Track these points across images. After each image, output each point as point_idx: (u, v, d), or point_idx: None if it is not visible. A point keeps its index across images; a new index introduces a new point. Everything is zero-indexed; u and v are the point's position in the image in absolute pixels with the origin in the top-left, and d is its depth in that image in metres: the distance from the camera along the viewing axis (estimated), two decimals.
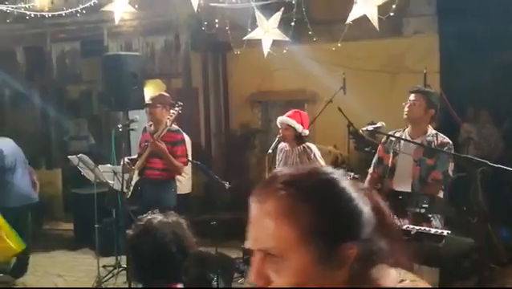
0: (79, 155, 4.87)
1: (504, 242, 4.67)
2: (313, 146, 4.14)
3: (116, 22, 5.89)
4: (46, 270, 5.52)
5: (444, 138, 3.35)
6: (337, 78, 6.22)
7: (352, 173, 5.33)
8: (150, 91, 7.88)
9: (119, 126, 4.35)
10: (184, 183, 4.94)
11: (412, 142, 3.30)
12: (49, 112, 8.08)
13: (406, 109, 3.35)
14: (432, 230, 2.82)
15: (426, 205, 2.51)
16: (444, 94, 6.02)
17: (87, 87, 8.57)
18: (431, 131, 3.39)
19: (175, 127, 4.33)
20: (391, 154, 3.47)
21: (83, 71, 8.25)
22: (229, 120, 7.93)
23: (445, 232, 2.78)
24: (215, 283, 3.97)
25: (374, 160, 3.64)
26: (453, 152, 3.29)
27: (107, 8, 5.81)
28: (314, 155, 4.07)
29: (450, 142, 3.34)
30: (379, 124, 3.35)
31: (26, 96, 8.29)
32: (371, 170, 3.66)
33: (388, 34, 7.28)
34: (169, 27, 7.31)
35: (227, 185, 4.05)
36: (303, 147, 4.07)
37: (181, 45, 7.30)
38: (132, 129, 4.38)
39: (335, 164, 5.86)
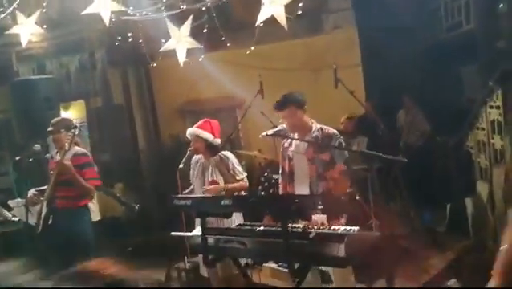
0: None
1: (427, 226, 4.76)
2: (229, 154, 4.02)
3: (24, 44, 5.53)
4: None
5: (329, 129, 3.35)
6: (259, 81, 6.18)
7: (277, 176, 5.28)
8: (72, 113, 7.56)
9: (17, 158, 4.05)
10: (94, 210, 4.68)
11: (298, 140, 3.27)
12: None
13: (286, 125, 3.33)
14: (340, 230, 2.76)
15: (321, 206, 2.44)
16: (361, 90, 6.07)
17: (4, 116, 8.08)
18: (315, 126, 3.38)
19: (81, 150, 4.10)
20: (287, 160, 3.43)
21: (1, 99, 7.76)
22: (159, 134, 7.72)
23: (353, 229, 2.73)
24: None
25: (280, 170, 3.61)
26: (341, 141, 3.28)
27: (12, 31, 5.46)
28: (232, 163, 3.95)
29: (336, 132, 3.34)
30: (279, 128, 3.28)
31: None
32: (280, 179, 3.63)
33: (308, 32, 7.34)
34: (83, 45, 7.02)
35: (136, 207, 3.86)
36: (220, 156, 3.94)
37: (97, 62, 7.03)
38: (33, 159, 4.09)
39: (260, 169, 5.79)
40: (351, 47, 7.09)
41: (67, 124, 4.05)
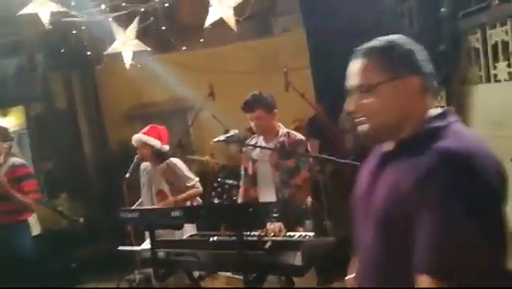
0: None
1: None
2: (177, 160, 3.88)
3: None
4: None
5: (296, 136, 3.26)
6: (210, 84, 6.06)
7: (231, 181, 5.19)
8: (11, 120, 7.12)
9: None
10: (33, 224, 4.41)
11: (254, 146, 3.18)
12: None
13: (254, 127, 3.21)
14: (296, 236, 2.71)
15: (276, 214, 2.37)
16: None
17: None
18: (282, 131, 3.28)
19: (19, 160, 3.83)
20: (250, 162, 3.34)
21: None
22: (106, 140, 7.40)
23: (308, 235, 2.69)
24: None
25: (242, 172, 3.49)
26: (308, 148, 3.22)
27: None
28: (181, 170, 3.81)
29: (303, 138, 3.26)
30: (231, 133, 3.18)
31: None
32: (241, 183, 3.50)
33: (257, 35, 7.31)
34: (22, 48, 6.61)
35: (80, 220, 3.64)
36: (167, 164, 3.79)
37: (38, 66, 6.65)
38: None
39: (212, 174, 5.68)
40: (300, 50, 7.11)
41: (3, 134, 3.77)
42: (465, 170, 1.06)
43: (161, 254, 2.65)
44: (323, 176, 3.10)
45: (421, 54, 1.25)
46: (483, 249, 1.04)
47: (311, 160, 3.24)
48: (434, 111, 1.24)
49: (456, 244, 1.04)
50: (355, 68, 1.28)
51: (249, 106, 3.18)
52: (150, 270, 3.75)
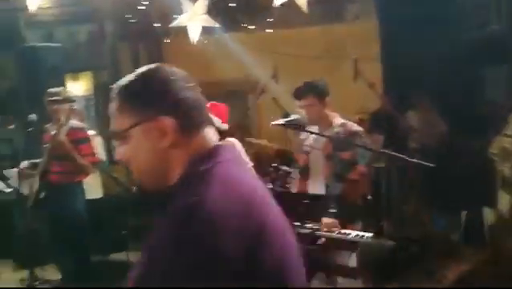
0: None
1: (441, 232, 4.51)
2: (235, 141, 3.76)
3: (32, 10, 5.29)
4: None
5: (352, 126, 3.05)
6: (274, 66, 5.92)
7: (286, 168, 5.03)
8: (79, 85, 7.36)
9: (11, 126, 3.85)
10: (93, 186, 4.48)
11: (315, 133, 2.98)
12: None
13: (305, 115, 3.03)
14: (352, 235, 2.52)
15: (334, 210, 2.20)
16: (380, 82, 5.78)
17: (11, 83, 7.89)
18: (337, 121, 3.08)
19: (79, 124, 3.88)
20: (303, 153, 3.18)
21: (7, 65, 7.57)
22: None
23: (366, 235, 2.49)
24: None
25: (296, 164, 3.34)
26: (364, 140, 3.00)
27: None
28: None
29: (360, 129, 3.05)
30: (292, 117, 3.00)
31: None
32: (295, 173, 3.34)
33: (328, 20, 7.05)
34: (94, 16, 6.77)
35: (133, 189, 3.64)
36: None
37: (108, 34, 6.78)
38: (31, 129, 3.88)
39: (268, 158, 5.54)
40: (371, 39, 6.78)
41: (66, 96, 3.83)
42: (198, 229, 0.91)
43: None
44: (385, 173, 2.86)
45: (179, 87, 1.06)
46: None
47: (371, 154, 3.02)
48: (205, 150, 1.05)
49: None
50: (110, 111, 1.10)
51: (300, 92, 3.05)
52: None
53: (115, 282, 3.82)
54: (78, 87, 7.22)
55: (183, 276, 0.92)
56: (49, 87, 4.09)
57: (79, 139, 3.75)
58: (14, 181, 4.41)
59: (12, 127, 3.83)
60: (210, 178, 1.00)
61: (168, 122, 1.04)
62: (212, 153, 1.05)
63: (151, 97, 1.06)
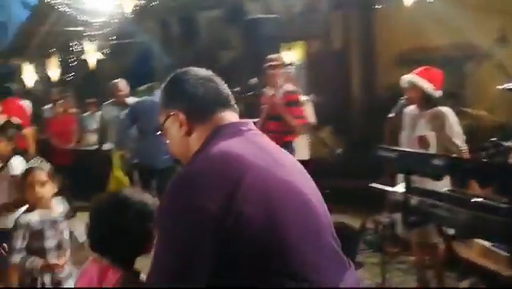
0: None
1: None
2: (448, 110, 3.50)
3: None
4: None
5: None
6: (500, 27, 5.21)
7: (508, 143, 4.48)
8: (292, 54, 7.78)
9: (236, 89, 4.33)
10: (302, 148, 4.73)
11: None
12: None
13: None
14: None
15: None
16: None
17: (235, 53, 8.83)
18: None
19: (291, 88, 4.15)
20: None
21: (229, 37, 8.51)
22: (375, 81, 7.37)
23: None
24: None
25: None
26: None
27: None
28: (450, 122, 3.43)
29: None
30: None
31: (182, 63, 8.89)
32: None
33: None
34: None
35: (339, 151, 3.72)
36: (435, 111, 3.47)
37: (321, 4, 6.95)
38: (251, 93, 4.32)
39: (485, 131, 4.98)
40: None
41: (283, 62, 4.13)
42: (177, 193, 1.18)
43: (415, 200, 2.48)
44: None
45: (191, 84, 1.34)
46: (169, 274, 1.16)
47: None
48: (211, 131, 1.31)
49: (154, 262, 1.20)
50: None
51: None
52: (397, 216, 3.65)
53: None
54: (291, 55, 7.65)
55: (169, 227, 1.18)
56: (264, 56, 4.47)
57: (292, 101, 4.03)
58: None
59: (237, 89, 4.29)
60: (202, 152, 1.26)
61: (181, 115, 1.32)
62: (214, 133, 1.30)
63: (169, 97, 1.37)
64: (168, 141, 1.39)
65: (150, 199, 1.74)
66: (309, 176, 1.40)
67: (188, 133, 1.32)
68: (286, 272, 1.16)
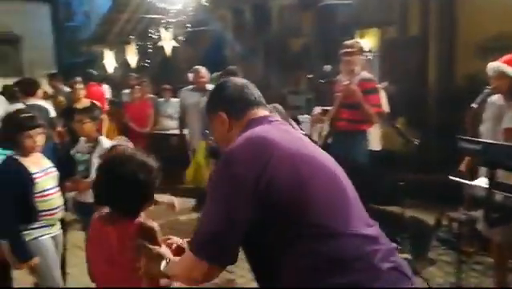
0: (274, 104, 5.04)
1: None
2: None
3: None
4: None
5: None
6: None
7: None
8: (366, 40, 7.57)
9: (309, 76, 4.30)
10: (374, 138, 4.61)
11: None
12: (271, 66, 8.60)
13: None
14: None
15: None
16: None
17: (307, 40, 8.74)
18: None
19: (368, 75, 4.04)
20: None
21: (301, 24, 8.44)
22: (454, 70, 6.98)
23: None
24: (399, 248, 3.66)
25: None
26: None
27: None
28: None
29: None
30: None
31: (254, 50, 8.98)
32: None
33: None
34: None
35: (416, 142, 3.57)
36: None
37: None
38: (324, 80, 4.26)
39: None
40: None
41: (360, 48, 4.02)
42: (221, 166, 1.51)
43: (499, 196, 2.35)
44: None
45: (229, 89, 1.71)
46: (214, 228, 1.46)
47: None
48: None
49: (200, 225, 1.52)
50: None
51: None
52: (476, 213, 3.47)
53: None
54: (364, 42, 7.45)
55: (215, 192, 1.49)
56: (338, 43, 4.39)
57: (368, 89, 3.92)
58: (305, 127, 4.98)
59: (310, 76, 4.26)
60: (240, 137, 1.56)
61: (223, 115, 1.66)
62: (248, 124, 1.62)
63: (215, 102, 1.72)
64: (214, 135, 1.76)
65: (151, 159, 1.97)
66: (330, 157, 1.64)
67: (229, 129, 1.66)
68: (316, 224, 1.42)
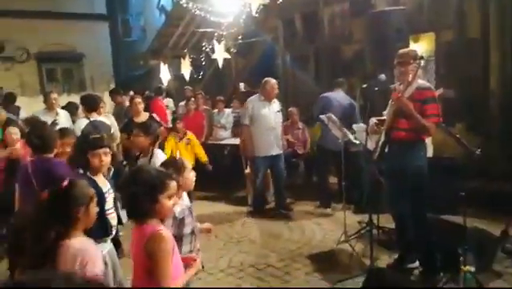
0: (328, 114, 5.03)
1: None
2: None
3: None
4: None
5: None
6: None
7: None
8: (421, 46, 7.37)
9: (364, 85, 4.23)
10: (429, 145, 4.46)
11: None
12: (323, 74, 8.56)
13: None
14: None
15: None
16: None
17: (359, 47, 8.63)
18: None
19: (425, 84, 3.92)
20: None
21: (354, 31, 8.34)
22: None
23: None
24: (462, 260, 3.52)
25: None
26: None
27: None
28: None
29: None
30: None
31: (305, 58, 8.97)
32: None
33: None
34: None
35: (477, 151, 3.43)
36: None
37: None
38: (378, 88, 4.17)
39: None
40: None
41: (414, 56, 3.92)
42: None
43: None
44: None
45: None
46: None
47: None
48: None
49: None
50: None
51: None
52: None
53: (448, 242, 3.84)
54: (419, 47, 7.25)
55: None
56: (393, 49, 4.28)
57: (425, 98, 3.80)
58: (360, 135, 4.92)
59: (365, 86, 4.20)
60: None
61: None
62: None
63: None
64: None
65: (160, 172, 2.27)
66: None
67: None
68: None
